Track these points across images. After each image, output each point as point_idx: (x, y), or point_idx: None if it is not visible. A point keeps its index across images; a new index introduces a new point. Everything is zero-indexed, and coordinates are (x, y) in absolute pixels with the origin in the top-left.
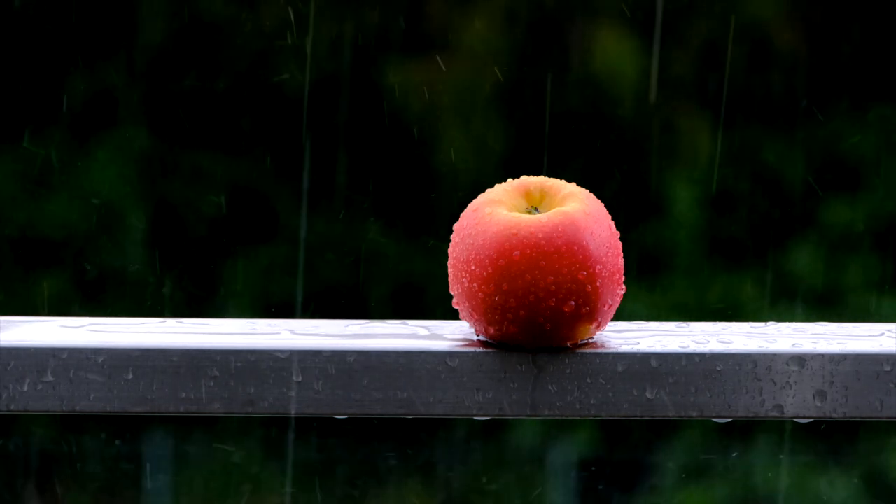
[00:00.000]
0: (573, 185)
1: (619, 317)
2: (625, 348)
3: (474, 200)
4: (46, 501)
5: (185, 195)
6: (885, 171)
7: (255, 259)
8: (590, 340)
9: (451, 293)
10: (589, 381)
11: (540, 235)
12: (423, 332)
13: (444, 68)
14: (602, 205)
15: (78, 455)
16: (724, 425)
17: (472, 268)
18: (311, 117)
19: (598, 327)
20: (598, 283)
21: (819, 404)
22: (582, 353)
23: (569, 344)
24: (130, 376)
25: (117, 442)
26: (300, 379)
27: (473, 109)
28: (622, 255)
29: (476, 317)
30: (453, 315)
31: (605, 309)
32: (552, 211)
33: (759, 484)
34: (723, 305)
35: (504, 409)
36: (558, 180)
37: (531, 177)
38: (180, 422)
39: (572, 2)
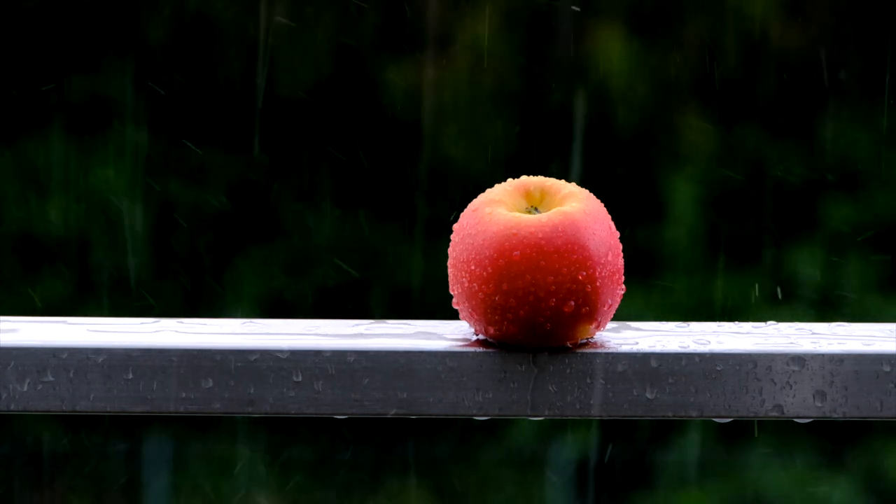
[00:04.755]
0: (573, 185)
1: (619, 317)
2: (625, 348)
3: (474, 200)
4: (47, 502)
5: (185, 195)
6: (886, 171)
7: (255, 259)
8: (590, 340)
9: (451, 293)
10: (589, 381)
11: (540, 235)
12: (423, 331)
13: (443, 68)
14: (602, 205)
15: (78, 455)
16: (724, 425)
17: (472, 268)
18: (311, 116)
19: (598, 327)
20: (598, 283)
21: (819, 404)
22: (582, 353)
23: (569, 344)
24: (130, 376)
25: (117, 442)
26: (300, 379)
27: (473, 109)
28: (622, 255)
29: (476, 317)
30: (453, 315)
31: (605, 309)
32: (552, 211)
33: (758, 484)
34: (723, 305)
35: (504, 409)
36: (558, 180)
37: (531, 177)
38: (180, 422)
39: (572, 1)
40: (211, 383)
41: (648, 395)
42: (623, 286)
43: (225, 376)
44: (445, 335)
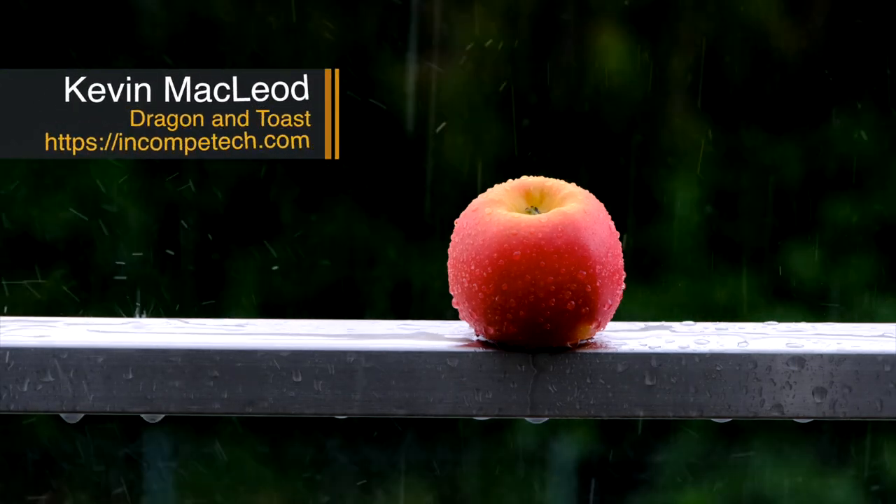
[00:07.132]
0: (573, 185)
1: (619, 317)
2: (625, 348)
3: (474, 200)
4: (46, 501)
5: (185, 195)
6: (886, 171)
7: (256, 259)
8: (590, 340)
9: (451, 293)
10: (589, 381)
11: (540, 235)
12: (423, 332)
13: (443, 68)
14: (602, 205)
15: (78, 455)
16: (724, 425)
17: (472, 268)
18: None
19: (598, 327)
20: (598, 283)
21: (819, 404)
22: (582, 353)
23: (569, 344)
24: (130, 376)
25: (117, 442)
26: (300, 379)
27: (473, 109)
28: (622, 255)
29: (476, 317)
30: (453, 315)
31: (605, 309)
32: (552, 211)
33: (758, 484)
34: (723, 305)
35: (504, 409)
36: (558, 180)
37: (531, 177)
38: (180, 422)
39: (572, 1)
40: (211, 383)
41: (648, 396)
42: (623, 286)
43: (225, 376)
44: (445, 335)
